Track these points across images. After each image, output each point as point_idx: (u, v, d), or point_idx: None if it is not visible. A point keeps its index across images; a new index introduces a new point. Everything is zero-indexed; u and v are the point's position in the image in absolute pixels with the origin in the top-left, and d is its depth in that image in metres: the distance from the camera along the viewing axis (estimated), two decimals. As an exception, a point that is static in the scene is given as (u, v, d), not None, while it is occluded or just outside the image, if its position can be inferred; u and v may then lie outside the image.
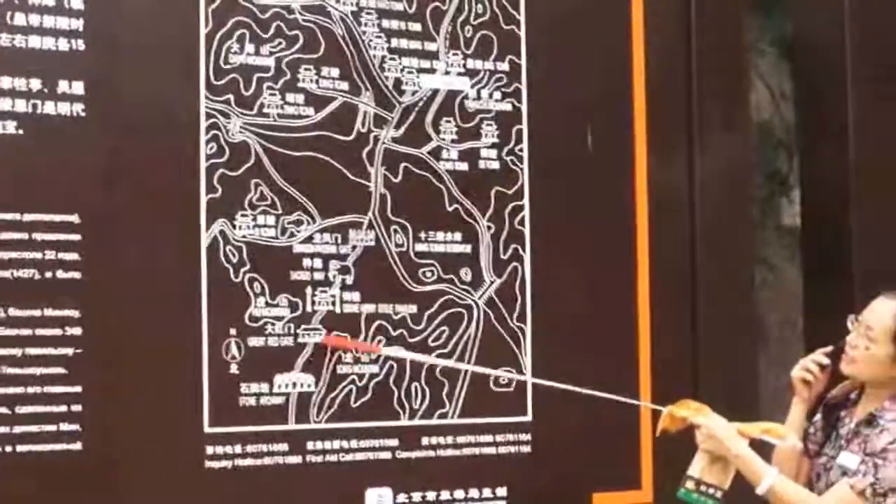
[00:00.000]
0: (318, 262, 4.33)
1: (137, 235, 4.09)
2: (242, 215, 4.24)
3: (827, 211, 5.48)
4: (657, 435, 4.00)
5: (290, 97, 4.32)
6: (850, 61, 5.33)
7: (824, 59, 5.50)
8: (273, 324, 4.26)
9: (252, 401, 4.22)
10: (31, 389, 3.94)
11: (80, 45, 4.05)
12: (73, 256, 4.00)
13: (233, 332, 4.20)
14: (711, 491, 3.79)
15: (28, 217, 3.97)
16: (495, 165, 4.61)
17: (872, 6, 5.36)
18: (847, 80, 5.33)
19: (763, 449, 3.84)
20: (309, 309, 4.31)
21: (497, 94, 4.63)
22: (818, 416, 3.89)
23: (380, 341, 4.39)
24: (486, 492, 4.55)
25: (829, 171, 5.44)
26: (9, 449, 3.91)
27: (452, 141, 4.55)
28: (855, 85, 5.32)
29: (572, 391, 4.30)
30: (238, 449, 4.20)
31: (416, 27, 4.51)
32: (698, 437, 3.80)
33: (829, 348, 3.84)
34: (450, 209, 4.54)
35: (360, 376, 4.37)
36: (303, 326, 4.29)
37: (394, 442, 4.42)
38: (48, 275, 3.98)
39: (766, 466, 3.68)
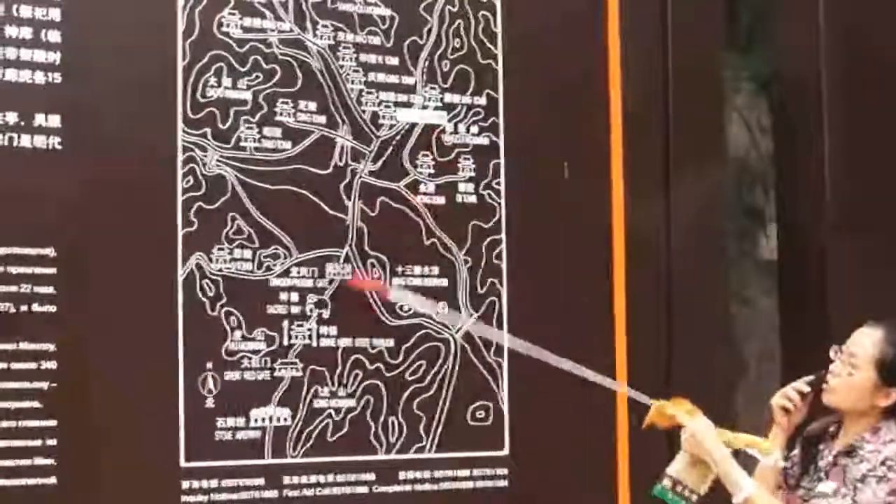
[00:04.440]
0: (294, 296, 4.33)
1: (113, 269, 4.08)
2: (219, 249, 4.23)
3: (803, 245, 5.49)
4: (643, 427, 3.84)
5: (267, 131, 4.32)
6: (828, 96, 5.35)
7: (802, 94, 5.53)
8: (249, 357, 4.24)
9: (228, 435, 4.21)
10: (5, 423, 3.93)
11: (57, 78, 4.04)
12: (48, 290, 3.99)
13: (209, 365, 4.19)
14: (687, 493, 3.67)
15: (3, 250, 3.96)
16: (472, 199, 4.61)
17: (849, 42, 5.38)
18: (824, 115, 5.35)
19: (747, 464, 3.81)
20: (285, 343, 4.30)
21: (474, 129, 4.63)
22: (796, 450, 3.87)
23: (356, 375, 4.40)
24: (464, 526, 4.54)
25: (805, 206, 5.47)
26: (-18, 483, 3.90)
27: (430, 175, 4.55)
28: (832, 120, 5.34)
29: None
30: (214, 483, 4.18)
31: (394, 61, 4.52)
32: (683, 437, 3.75)
33: (811, 377, 3.82)
34: (427, 243, 4.54)
35: (337, 410, 4.36)
36: (279, 360, 4.28)
37: (371, 476, 4.41)
38: (23, 308, 3.96)
39: (745, 476, 3.63)
